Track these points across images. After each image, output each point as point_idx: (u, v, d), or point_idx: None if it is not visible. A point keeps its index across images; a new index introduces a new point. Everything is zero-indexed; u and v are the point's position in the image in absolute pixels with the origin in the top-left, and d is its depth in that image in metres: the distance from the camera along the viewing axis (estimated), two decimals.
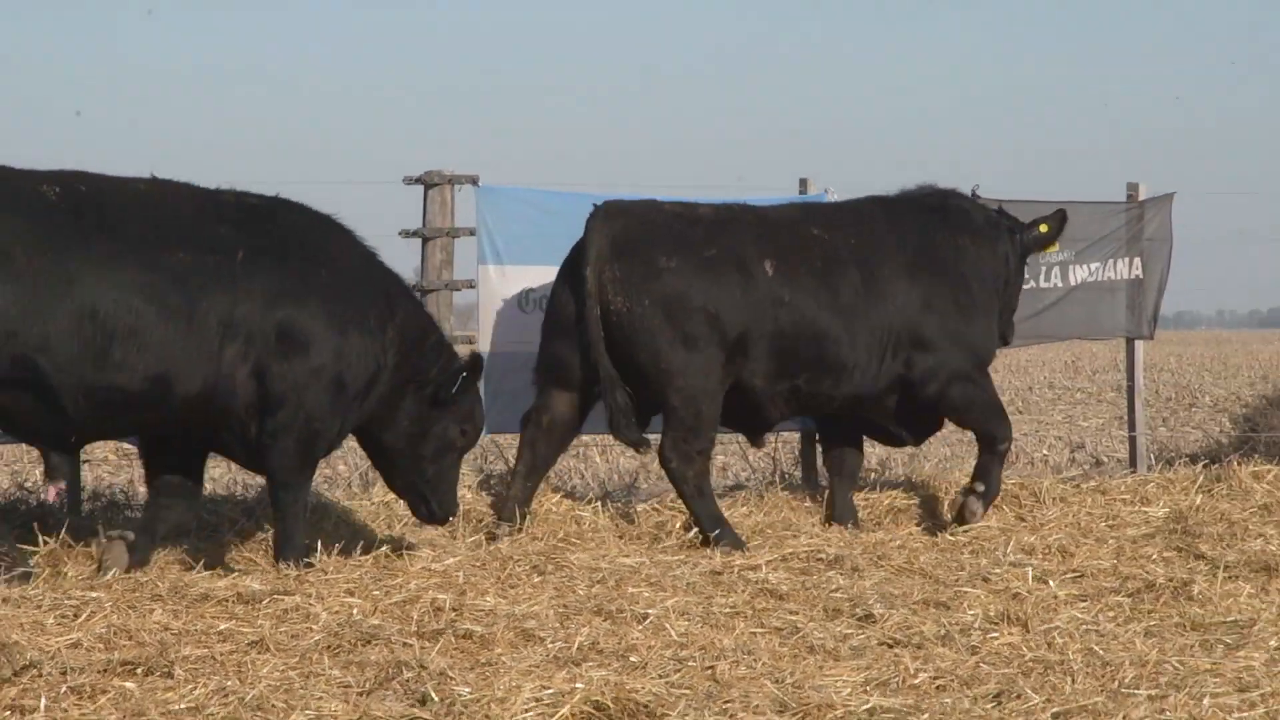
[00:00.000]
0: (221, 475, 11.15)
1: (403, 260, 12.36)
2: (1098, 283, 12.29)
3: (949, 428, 10.76)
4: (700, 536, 9.43)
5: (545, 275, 10.24)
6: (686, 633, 7.04)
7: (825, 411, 10.09)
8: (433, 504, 8.72)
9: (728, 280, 9.46)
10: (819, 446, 10.90)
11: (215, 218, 8.07)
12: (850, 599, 7.75)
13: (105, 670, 6.17)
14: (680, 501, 9.68)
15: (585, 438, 10.18)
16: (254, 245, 8.05)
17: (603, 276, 9.31)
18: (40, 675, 6.05)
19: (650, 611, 7.29)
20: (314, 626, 6.87)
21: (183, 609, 7.17)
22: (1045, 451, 14.98)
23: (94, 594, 7.26)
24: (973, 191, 10.58)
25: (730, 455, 13.31)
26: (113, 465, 12.16)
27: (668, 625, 7.11)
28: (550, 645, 6.74)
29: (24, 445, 10.05)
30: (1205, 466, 11.38)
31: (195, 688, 5.98)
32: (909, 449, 11.42)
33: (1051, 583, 8.26)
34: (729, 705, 5.98)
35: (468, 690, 5.97)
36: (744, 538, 9.46)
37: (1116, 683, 6.35)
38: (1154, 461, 12.69)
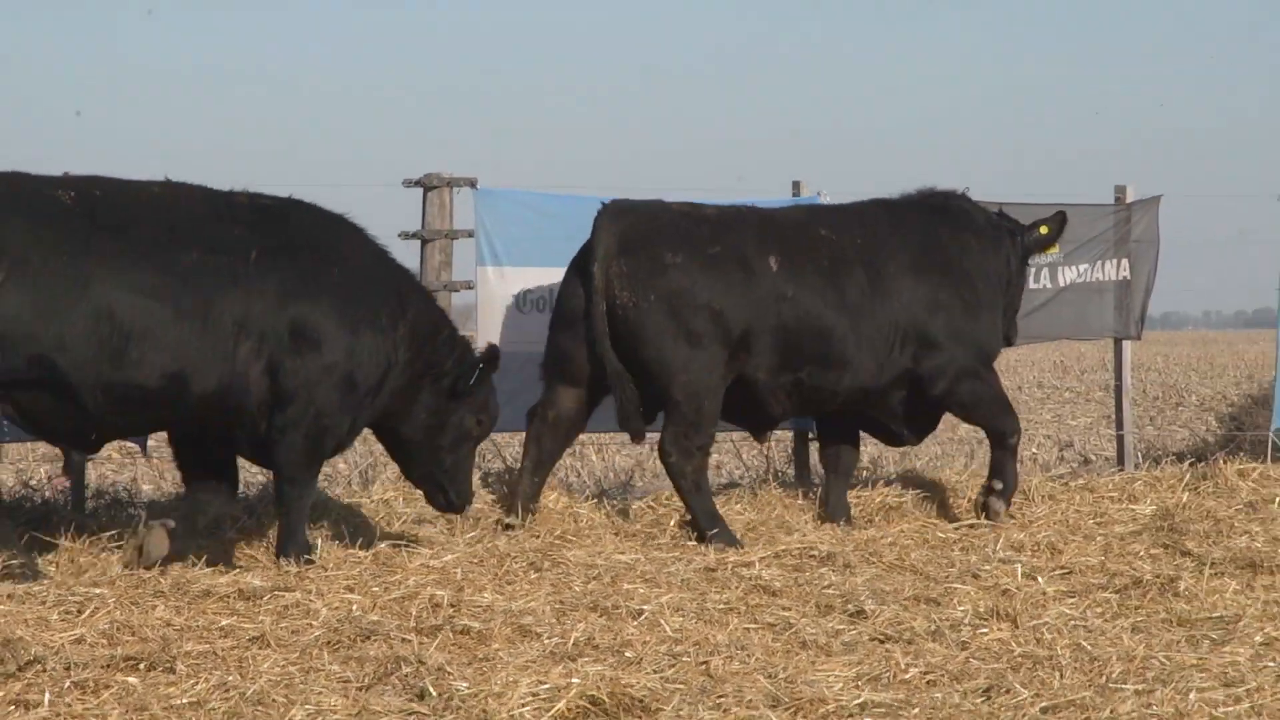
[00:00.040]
0: None
1: (402, 261, 12.39)
2: (1086, 284, 12.35)
3: (941, 426, 10.83)
4: (695, 532, 9.49)
5: (543, 277, 10.32)
6: (681, 628, 7.09)
7: (829, 408, 10.13)
8: (450, 493, 8.82)
9: (732, 277, 9.52)
10: (814, 444, 10.97)
11: (229, 219, 8.15)
12: (842, 595, 7.80)
13: (108, 665, 6.22)
14: (676, 498, 9.75)
15: (581, 436, 10.21)
16: (267, 245, 8.12)
17: (609, 272, 9.38)
18: (44, 670, 6.10)
19: (645, 607, 7.35)
20: (314, 622, 6.92)
21: (185, 605, 7.22)
22: (1034, 450, 14.98)
23: (97, 590, 7.31)
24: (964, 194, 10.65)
25: (724, 454, 13.33)
26: (116, 464, 12.17)
27: (662, 621, 7.16)
28: (547, 641, 6.79)
29: (28, 443, 10.11)
30: (1191, 465, 11.44)
31: (197, 683, 6.03)
32: (903, 447, 11.46)
33: (1040, 579, 8.31)
34: (722, 700, 6.02)
35: (465, 685, 6.02)
36: (738, 534, 9.53)
37: (1104, 678, 6.40)
38: (1141, 460, 12.71)
